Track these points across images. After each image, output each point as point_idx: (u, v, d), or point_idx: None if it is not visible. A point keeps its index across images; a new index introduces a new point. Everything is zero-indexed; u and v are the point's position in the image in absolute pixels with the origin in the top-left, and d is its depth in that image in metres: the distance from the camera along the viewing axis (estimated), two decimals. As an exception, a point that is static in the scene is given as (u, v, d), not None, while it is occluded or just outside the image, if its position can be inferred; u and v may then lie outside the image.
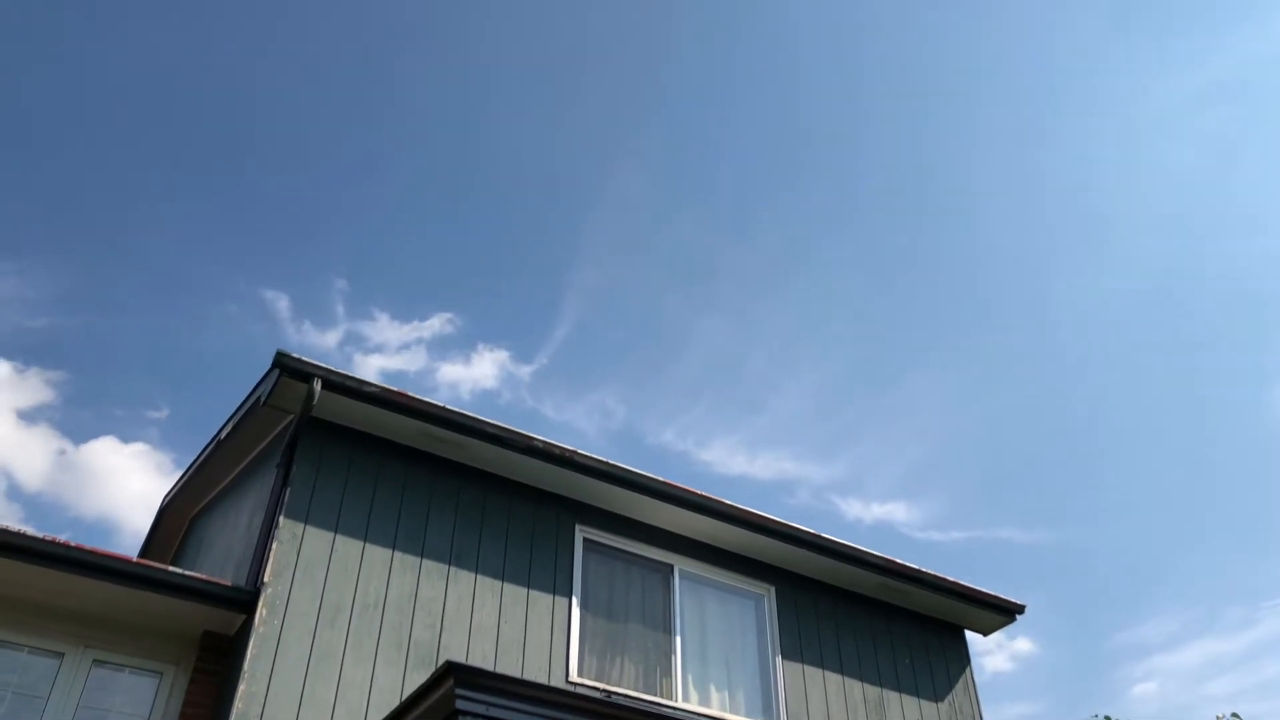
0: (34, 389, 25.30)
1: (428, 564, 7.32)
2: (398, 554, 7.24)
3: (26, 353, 25.99)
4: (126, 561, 6.42)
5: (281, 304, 24.70)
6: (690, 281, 25.21)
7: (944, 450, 26.55)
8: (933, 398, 25.21)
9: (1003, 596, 9.86)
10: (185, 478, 9.62)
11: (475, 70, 22.74)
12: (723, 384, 26.31)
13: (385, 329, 25.62)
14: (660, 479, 8.33)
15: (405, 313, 26.00)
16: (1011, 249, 25.60)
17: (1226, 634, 27.15)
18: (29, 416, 25.41)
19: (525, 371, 26.35)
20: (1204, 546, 27.92)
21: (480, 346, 26.57)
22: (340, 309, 25.44)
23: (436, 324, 25.67)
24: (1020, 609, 9.96)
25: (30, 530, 6.12)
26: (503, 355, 26.20)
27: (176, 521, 10.36)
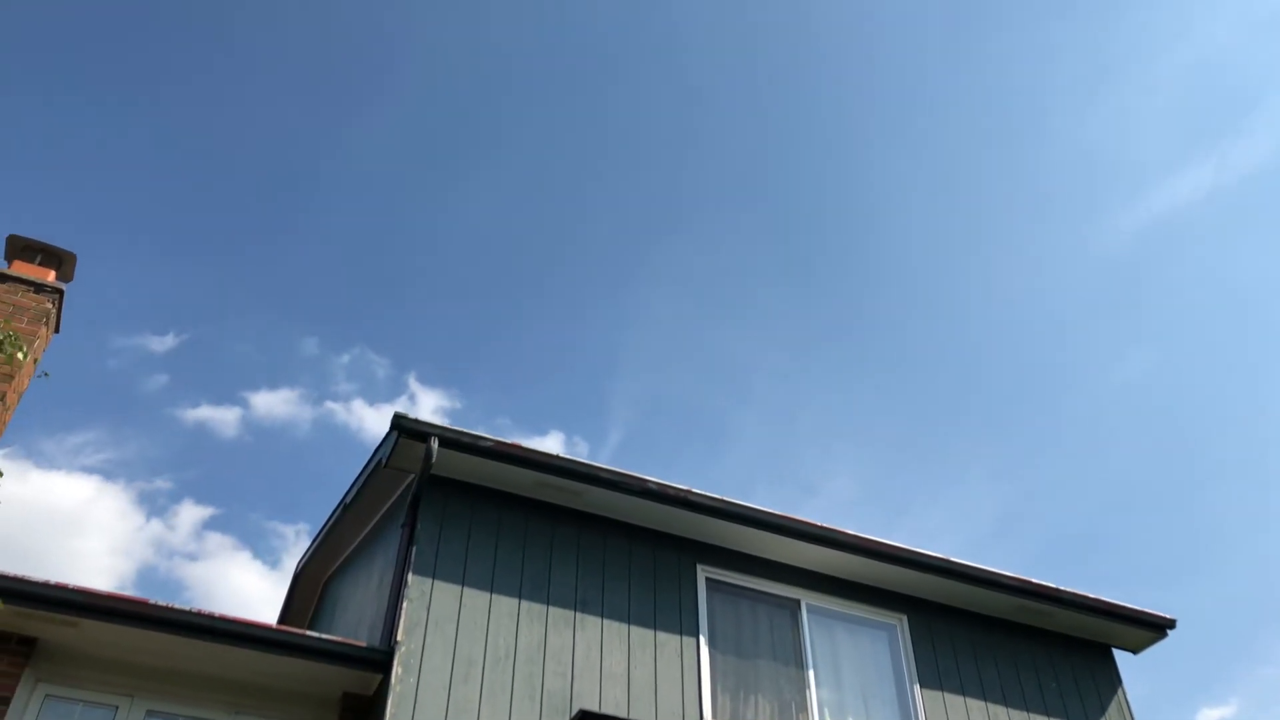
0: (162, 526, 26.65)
1: (554, 612, 7.36)
2: (524, 604, 7.30)
3: (149, 501, 27.62)
4: (268, 629, 6.64)
5: (369, 415, 25.92)
6: (726, 382, 25.78)
7: (999, 519, 25.97)
8: (978, 468, 24.86)
9: (1151, 611, 9.35)
10: (316, 543, 9.92)
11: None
12: (773, 474, 26.70)
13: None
14: (779, 513, 8.21)
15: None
16: (1033, 320, 25.11)
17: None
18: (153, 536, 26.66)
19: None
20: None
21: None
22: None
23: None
24: (1171, 624, 9.45)
25: (178, 605, 6.40)
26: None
27: (311, 586, 10.68)
